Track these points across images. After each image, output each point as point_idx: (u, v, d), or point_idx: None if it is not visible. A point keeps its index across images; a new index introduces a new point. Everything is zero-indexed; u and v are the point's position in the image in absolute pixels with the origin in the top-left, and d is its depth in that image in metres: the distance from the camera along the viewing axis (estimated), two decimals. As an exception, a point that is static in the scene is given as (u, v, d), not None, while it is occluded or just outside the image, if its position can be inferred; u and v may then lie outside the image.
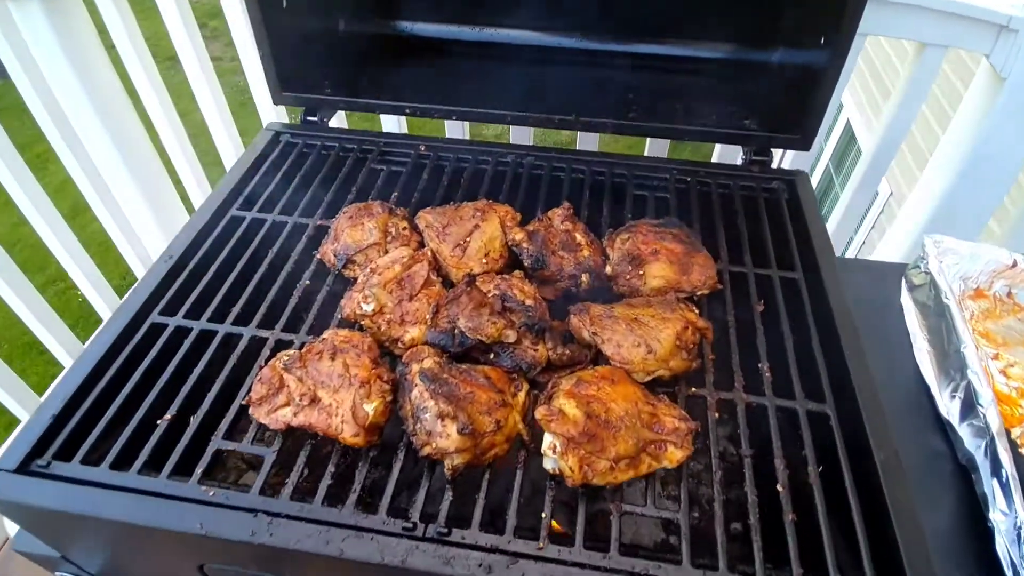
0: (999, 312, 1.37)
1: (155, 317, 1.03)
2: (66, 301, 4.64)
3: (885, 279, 1.47)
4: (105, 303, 2.24)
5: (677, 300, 0.98)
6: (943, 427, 1.17)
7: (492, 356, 0.93)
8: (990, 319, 1.36)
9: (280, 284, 1.09)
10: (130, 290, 1.06)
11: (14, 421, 2.14)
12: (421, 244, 1.10)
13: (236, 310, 1.05)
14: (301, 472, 0.84)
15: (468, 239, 1.07)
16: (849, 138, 6.56)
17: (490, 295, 0.95)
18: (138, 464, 0.84)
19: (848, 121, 6.42)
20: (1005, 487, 0.97)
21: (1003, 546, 0.95)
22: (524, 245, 1.04)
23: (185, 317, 1.03)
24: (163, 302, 1.05)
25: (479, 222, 1.08)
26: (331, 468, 0.84)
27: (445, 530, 0.77)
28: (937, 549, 1.01)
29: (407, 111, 1.44)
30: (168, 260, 1.11)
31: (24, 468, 0.82)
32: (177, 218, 2.36)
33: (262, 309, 1.05)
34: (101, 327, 1.00)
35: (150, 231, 2.26)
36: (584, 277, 1.04)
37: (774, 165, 1.39)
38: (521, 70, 1.61)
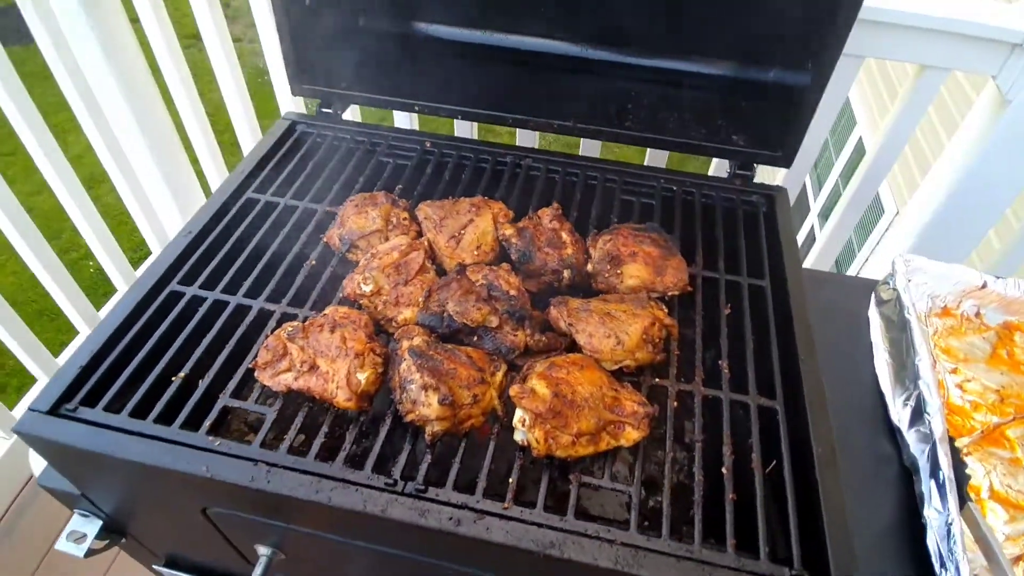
0: (964, 330, 1.46)
1: (174, 286, 1.13)
2: (78, 271, 4.77)
3: (857, 293, 1.56)
4: (120, 273, 2.35)
5: (648, 299, 1.07)
6: (893, 433, 1.26)
7: (476, 339, 1.03)
8: (953, 336, 1.45)
9: (288, 263, 1.19)
10: (151, 259, 1.16)
11: (27, 382, 2.26)
12: (419, 234, 1.20)
13: (247, 284, 1.15)
14: (298, 431, 0.94)
15: (462, 232, 1.16)
16: (861, 154, 6.59)
17: (478, 284, 1.05)
18: (154, 414, 0.94)
19: (860, 138, 6.46)
20: (941, 487, 1.06)
21: (934, 541, 1.03)
22: (513, 240, 1.14)
23: (201, 288, 1.14)
24: (181, 273, 1.15)
25: (474, 217, 1.18)
26: (324, 429, 0.94)
27: (423, 487, 0.86)
28: (876, 543, 1.11)
29: (416, 108, 1.53)
30: (188, 235, 1.21)
31: (55, 411, 0.92)
32: (193, 194, 2.48)
33: (271, 284, 1.15)
34: (125, 292, 1.10)
35: (166, 205, 2.38)
36: (566, 273, 1.13)
37: (770, 180, 1.47)
38: (526, 76, 1.69)
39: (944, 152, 1.94)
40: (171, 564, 1.30)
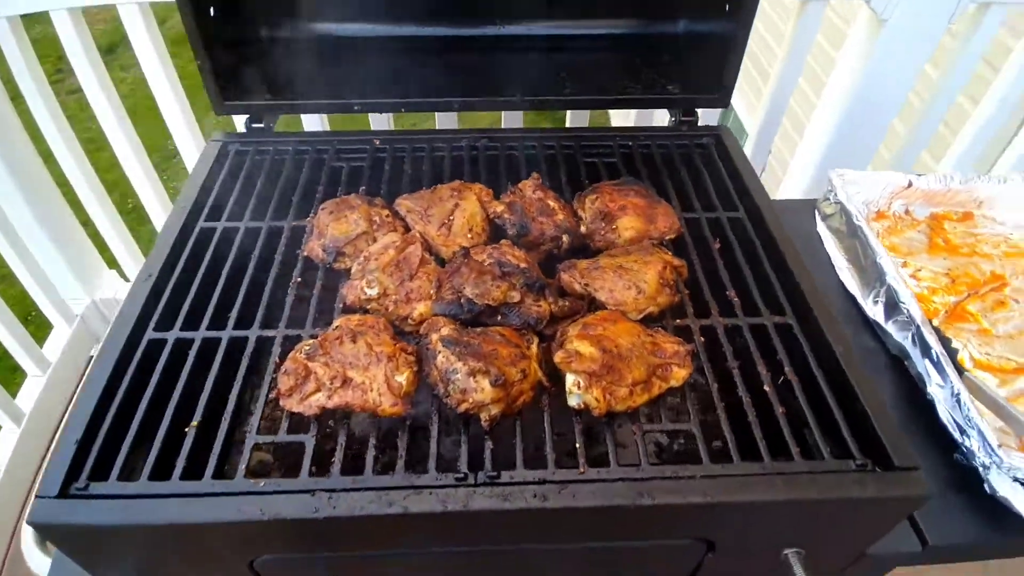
0: (900, 228, 1.61)
1: (151, 334, 1.02)
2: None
3: (799, 214, 1.67)
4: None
5: (652, 245, 1.10)
6: (872, 328, 1.37)
7: (499, 318, 1.00)
8: (893, 235, 1.59)
9: (271, 285, 1.11)
10: (116, 313, 1.03)
11: None
12: (407, 228, 1.15)
13: (234, 315, 1.05)
14: (344, 449, 0.88)
15: (451, 218, 1.13)
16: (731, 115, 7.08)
17: (487, 264, 1.03)
18: (178, 471, 0.84)
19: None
20: (937, 364, 1.16)
21: (945, 412, 1.13)
22: (506, 216, 1.12)
23: (183, 329, 1.03)
24: (155, 319, 1.04)
25: (458, 200, 1.15)
26: (372, 442, 0.89)
27: (495, 474, 0.84)
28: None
29: (355, 108, 1.47)
30: (148, 279, 1.09)
31: (65, 493, 0.80)
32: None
33: (260, 311, 1.06)
34: (98, 352, 0.98)
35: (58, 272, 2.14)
36: (565, 238, 1.13)
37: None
38: (449, 59, 1.67)
39: (834, 73, 2.12)
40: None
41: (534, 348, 0.96)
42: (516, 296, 0.99)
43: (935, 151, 2.90)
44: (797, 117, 4.71)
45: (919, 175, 1.59)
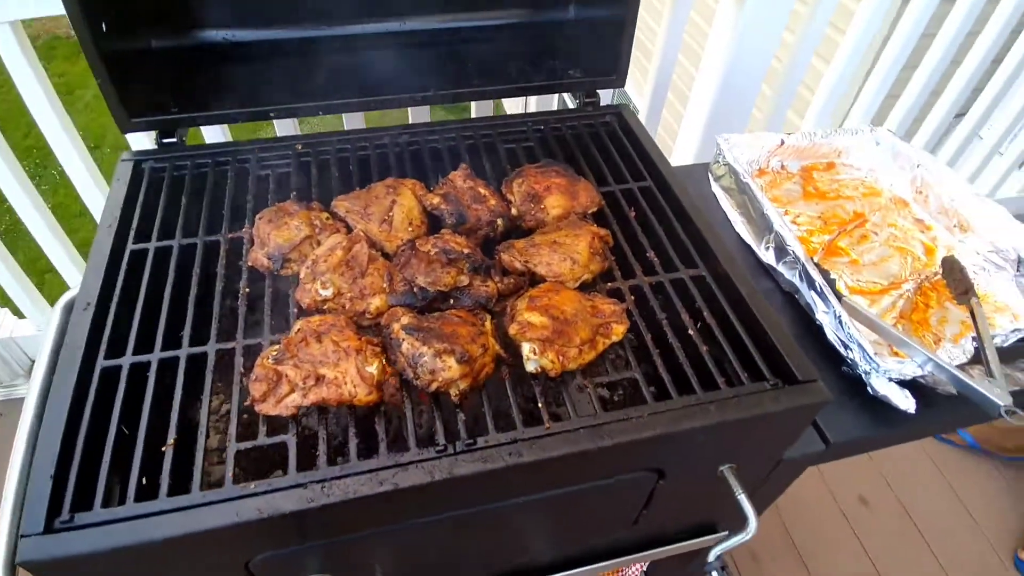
0: (778, 181, 1.83)
1: (102, 363, 1.01)
2: None
3: (694, 177, 1.86)
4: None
5: (579, 219, 1.21)
6: (766, 271, 1.57)
7: (452, 301, 1.08)
8: (774, 188, 1.81)
9: (219, 299, 1.12)
10: (59, 348, 1.01)
11: None
12: (348, 229, 1.20)
13: (187, 333, 1.06)
14: (327, 443, 0.93)
15: (390, 214, 1.19)
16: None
17: (433, 253, 1.10)
18: (164, 489, 0.86)
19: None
20: (821, 294, 1.36)
21: (831, 334, 1.34)
22: (443, 206, 1.20)
23: (135, 354, 1.03)
24: (103, 347, 1.03)
25: (395, 197, 1.20)
26: (352, 430, 0.95)
27: (472, 441, 0.92)
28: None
29: (272, 114, 1.47)
30: (87, 307, 1.07)
31: (50, 528, 0.81)
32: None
33: (214, 325, 1.08)
34: (52, 388, 0.96)
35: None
36: (499, 222, 1.22)
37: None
38: (350, 59, 1.69)
39: (708, 46, 2.34)
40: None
41: (488, 325, 1.05)
42: (465, 280, 1.08)
43: (798, 109, 3.26)
44: (681, 91, 5.05)
45: (789, 134, 1.82)
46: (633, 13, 1.51)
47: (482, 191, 1.25)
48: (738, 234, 1.67)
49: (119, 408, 0.95)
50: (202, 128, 2.02)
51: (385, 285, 1.08)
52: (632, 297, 1.17)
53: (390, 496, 0.87)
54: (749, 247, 1.62)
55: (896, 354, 1.28)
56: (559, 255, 1.12)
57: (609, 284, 1.19)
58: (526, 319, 1.01)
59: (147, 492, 0.87)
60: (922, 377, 1.22)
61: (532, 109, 2.46)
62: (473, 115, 2.28)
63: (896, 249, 1.59)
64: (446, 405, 0.99)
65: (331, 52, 1.67)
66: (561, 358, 0.99)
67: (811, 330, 1.39)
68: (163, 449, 0.91)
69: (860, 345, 1.25)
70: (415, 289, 1.06)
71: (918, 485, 2.78)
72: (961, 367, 1.21)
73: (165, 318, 1.08)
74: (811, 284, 1.39)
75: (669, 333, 1.11)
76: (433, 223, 1.25)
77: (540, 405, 0.99)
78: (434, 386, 0.95)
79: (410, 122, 2.04)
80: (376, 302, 1.07)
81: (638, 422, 0.96)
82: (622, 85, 1.67)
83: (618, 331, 1.06)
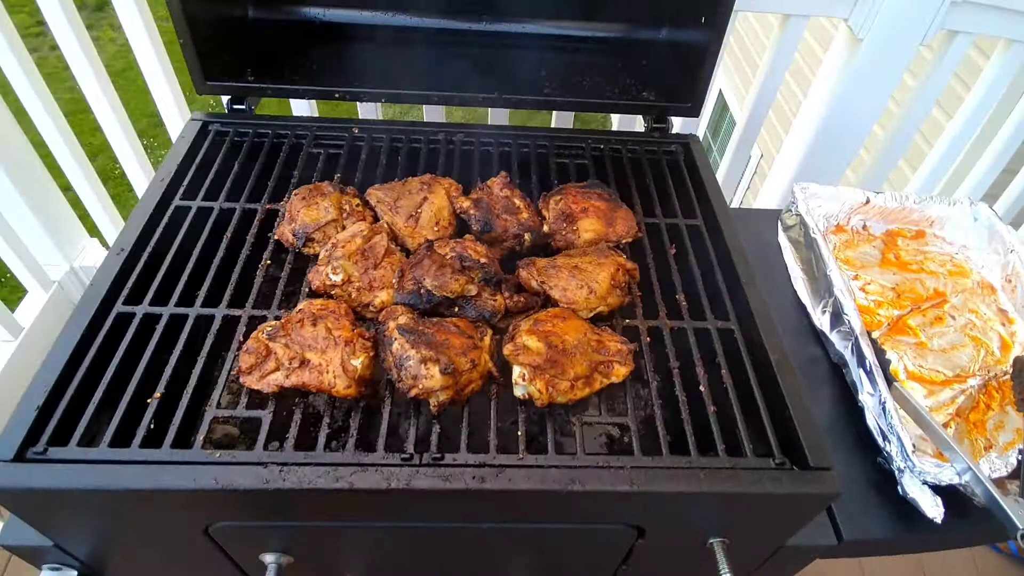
0: (856, 242, 1.68)
1: (119, 307, 1.06)
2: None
3: (763, 223, 1.74)
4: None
5: (607, 248, 1.15)
6: (818, 337, 1.44)
7: (456, 309, 1.05)
8: (848, 248, 1.66)
9: (241, 266, 1.15)
10: (87, 286, 1.07)
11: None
12: (376, 218, 1.20)
13: (202, 294, 1.10)
14: (299, 427, 0.93)
15: (419, 210, 1.17)
16: (722, 107, 7.17)
17: (448, 257, 1.08)
18: (137, 439, 0.89)
19: (720, 91, 7.02)
20: (869, 374, 1.23)
21: (872, 419, 1.20)
22: (471, 212, 1.17)
23: (152, 304, 1.07)
24: (124, 293, 1.08)
25: (427, 194, 1.19)
26: (326, 420, 0.94)
27: (439, 455, 0.89)
28: (823, 430, 1.27)
29: (336, 95, 1.50)
30: (120, 253, 1.12)
31: (21, 457, 0.85)
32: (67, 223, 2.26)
33: (229, 290, 1.10)
34: (66, 322, 1.01)
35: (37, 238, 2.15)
36: (526, 236, 1.18)
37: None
38: (434, 52, 1.70)
39: (811, 89, 2.19)
40: (157, 603, 1.23)
41: (487, 340, 1.01)
42: (473, 289, 1.04)
43: (911, 161, 3.00)
44: (785, 115, 4.79)
45: (877, 192, 1.66)
46: (717, 43, 1.43)
47: (517, 202, 1.21)
48: (795, 292, 1.54)
49: (121, 354, 0.99)
50: (291, 101, 2.12)
51: (395, 281, 1.06)
52: (648, 339, 1.10)
53: (344, 494, 0.86)
54: (804, 308, 1.49)
55: (938, 456, 1.13)
56: (577, 281, 1.07)
57: (627, 321, 1.12)
58: (523, 342, 0.96)
59: (123, 439, 0.89)
60: (961, 485, 1.07)
61: (615, 127, 2.39)
62: (553, 124, 2.24)
63: (971, 338, 1.41)
64: (426, 414, 0.96)
65: (410, 43, 1.69)
66: (550, 389, 0.94)
67: (852, 411, 1.25)
68: (148, 401, 0.94)
69: (900, 439, 1.11)
70: (422, 290, 1.04)
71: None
72: (999, 480, 1.05)
73: (187, 276, 1.12)
74: (861, 360, 1.26)
75: (677, 385, 1.03)
76: (462, 226, 1.22)
77: (520, 433, 0.94)
78: (414, 392, 0.93)
79: (488, 122, 2.05)
80: (382, 296, 1.06)
81: (616, 473, 0.89)
82: (696, 115, 1.59)
83: (620, 372, 0.99)
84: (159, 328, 1.04)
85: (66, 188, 2.25)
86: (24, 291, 2.26)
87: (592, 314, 1.08)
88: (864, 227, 1.71)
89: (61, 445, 0.87)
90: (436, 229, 1.17)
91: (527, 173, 1.40)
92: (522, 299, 1.08)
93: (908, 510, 1.08)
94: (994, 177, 2.35)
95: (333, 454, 0.89)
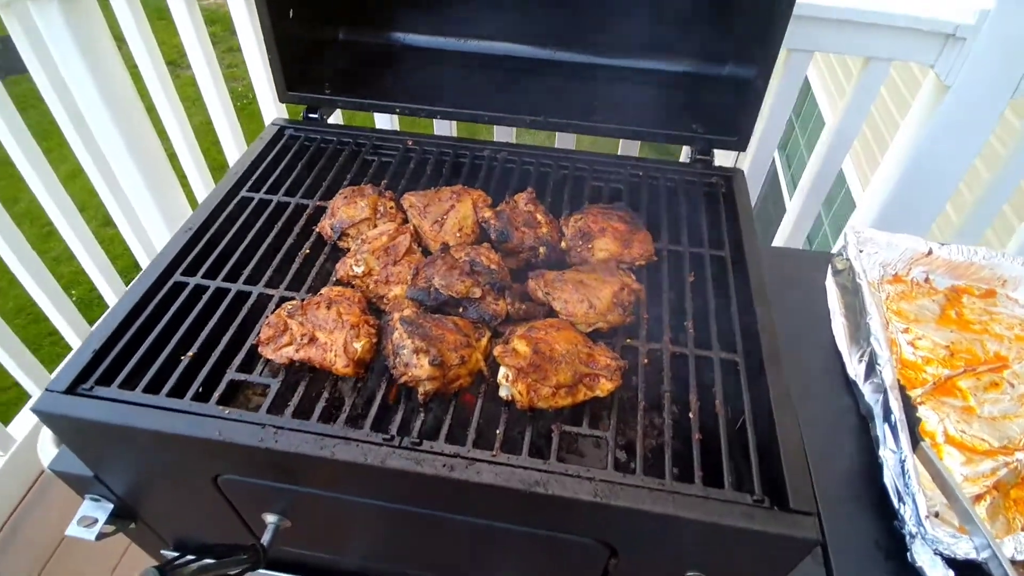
0: (914, 294, 1.57)
1: (177, 277, 1.21)
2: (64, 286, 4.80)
3: (816, 265, 1.67)
4: (112, 289, 2.43)
5: (617, 267, 1.17)
6: (851, 386, 1.36)
7: (461, 310, 1.12)
8: (904, 300, 1.56)
9: (284, 252, 1.28)
10: (156, 255, 1.23)
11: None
12: (405, 220, 1.29)
13: (246, 272, 1.23)
14: (300, 397, 1.02)
15: (445, 217, 1.26)
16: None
17: (461, 260, 1.14)
18: (166, 389, 1.02)
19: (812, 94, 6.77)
20: (894, 429, 1.16)
21: (890, 477, 1.13)
22: (492, 222, 1.24)
23: (203, 277, 1.22)
24: (184, 265, 1.23)
25: (455, 203, 1.27)
26: (325, 395, 1.02)
27: (417, 441, 0.95)
28: (840, 482, 1.21)
29: (397, 111, 1.63)
30: (188, 231, 1.29)
31: (72, 390, 1.00)
32: (180, 210, 2.55)
33: (268, 272, 1.23)
34: (131, 284, 1.18)
35: (154, 221, 2.45)
36: (542, 249, 1.23)
37: (729, 164, 1.59)
38: (499, 77, 1.81)
39: (897, 134, 2.08)
40: (179, 548, 1.36)
41: (483, 341, 1.07)
42: (478, 292, 1.10)
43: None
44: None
45: (941, 244, 1.56)
46: (764, 79, 1.42)
47: (539, 217, 1.26)
48: (833, 337, 1.47)
49: (170, 316, 1.14)
50: (375, 115, 2.31)
51: (409, 278, 1.14)
52: (647, 361, 1.10)
53: (326, 462, 0.93)
54: (839, 355, 1.42)
55: (962, 529, 1.04)
56: (579, 295, 1.10)
57: (629, 340, 1.13)
58: (512, 345, 1.01)
59: (155, 387, 1.03)
60: (983, 562, 0.97)
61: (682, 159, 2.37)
62: (620, 152, 2.27)
63: (1027, 410, 1.28)
64: (415, 402, 1.02)
65: (475, 67, 1.80)
66: (531, 393, 0.97)
67: (872, 469, 1.18)
68: (181, 358, 1.07)
69: (915, 502, 1.04)
70: (431, 288, 1.11)
71: None
72: (1021, 563, 0.94)
73: (237, 256, 1.26)
74: (887, 415, 1.18)
75: (665, 406, 1.03)
76: (484, 236, 1.29)
77: (498, 432, 0.98)
78: (404, 378, 0.99)
79: (555, 145, 2.12)
80: (396, 290, 1.14)
81: (582, 483, 0.91)
82: (743, 148, 1.58)
83: (605, 387, 1.01)
84: (204, 298, 1.18)
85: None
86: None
87: (591, 328, 1.11)
88: (927, 279, 1.60)
89: (105, 385, 1.02)
90: (458, 235, 1.25)
91: (560, 192, 1.44)
92: (524, 307, 1.12)
93: (912, 578, 1.00)
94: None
95: (324, 425, 0.97)
